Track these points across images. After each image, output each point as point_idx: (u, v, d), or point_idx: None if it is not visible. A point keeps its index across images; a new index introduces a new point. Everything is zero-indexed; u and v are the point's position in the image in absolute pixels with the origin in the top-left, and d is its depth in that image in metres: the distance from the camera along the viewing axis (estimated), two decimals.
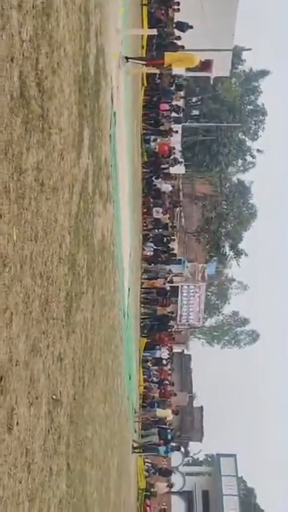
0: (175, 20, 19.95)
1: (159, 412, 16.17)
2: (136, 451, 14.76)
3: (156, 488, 19.88)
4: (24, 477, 2.51)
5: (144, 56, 15.19)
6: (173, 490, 24.37)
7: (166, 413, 16.46)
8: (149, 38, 16.56)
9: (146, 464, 19.37)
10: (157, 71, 11.14)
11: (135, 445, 14.52)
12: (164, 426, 16.16)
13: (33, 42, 2.61)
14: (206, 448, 41.74)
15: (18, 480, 2.41)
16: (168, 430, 15.94)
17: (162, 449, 15.17)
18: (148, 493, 19.01)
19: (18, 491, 2.41)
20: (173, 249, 23.36)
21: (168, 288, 22.16)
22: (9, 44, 2.25)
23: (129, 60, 8.96)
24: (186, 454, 38.21)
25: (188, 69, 21.42)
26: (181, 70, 21.02)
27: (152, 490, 19.38)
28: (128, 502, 12.48)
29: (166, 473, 21.09)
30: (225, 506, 30.33)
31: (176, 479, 26.96)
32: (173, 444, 16.65)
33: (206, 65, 27.22)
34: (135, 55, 12.17)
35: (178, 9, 20.68)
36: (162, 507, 25.08)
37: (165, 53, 9.46)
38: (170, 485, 21.11)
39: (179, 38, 16.57)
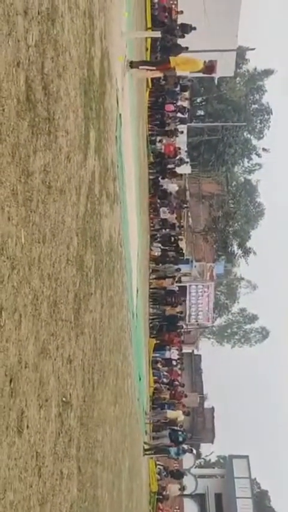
0: (178, 22, 19.98)
1: (170, 414, 16.11)
2: (147, 453, 14.71)
3: (168, 491, 19.71)
4: (35, 481, 2.50)
5: (148, 59, 15.26)
6: (185, 493, 24.18)
7: (177, 415, 16.38)
8: (153, 40, 16.64)
9: (158, 467, 19.25)
10: (161, 75, 11.04)
11: (146, 447, 14.48)
12: (175, 428, 16.08)
13: (38, 47, 2.63)
14: (218, 450, 41.55)
15: (29, 484, 2.41)
16: (180, 432, 15.85)
17: (173, 450, 15.09)
18: (160, 496, 18.87)
19: (29, 496, 2.40)
20: (181, 249, 23.34)
21: (177, 288, 22.12)
22: (15, 50, 2.27)
23: (138, 66, 8.98)
24: (198, 455, 38.02)
25: (193, 71, 21.41)
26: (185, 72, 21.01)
27: (163, 493, 19.23)
28: (140, 505, 12.44)
29: (178, 475, 20.95)
30: (238, 509, 29.93)
31: (188, 481, 26.72)
32: (185, 446, 16.53)
33: (210, 68, 27.18)
34: (140, 58, 12.20)
35: (181, 11, 20.77)
36: (175, 511, 24.83)
37: (170, 57, 9.47)
38: (182, 488, 20.95)
39: (183, 36, 16.64)
